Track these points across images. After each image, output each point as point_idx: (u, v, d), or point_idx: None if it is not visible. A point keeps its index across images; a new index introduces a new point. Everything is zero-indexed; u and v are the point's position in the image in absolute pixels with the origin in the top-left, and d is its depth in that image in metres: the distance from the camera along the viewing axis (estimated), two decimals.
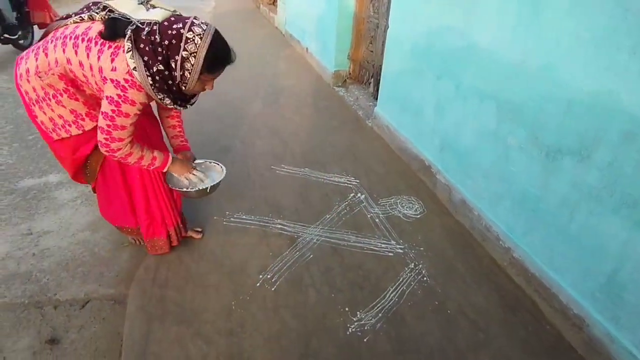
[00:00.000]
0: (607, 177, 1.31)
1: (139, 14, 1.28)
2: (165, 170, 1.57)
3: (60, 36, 1.32)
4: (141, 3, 1.32)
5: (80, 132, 1.45)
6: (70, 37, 1.29)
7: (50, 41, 1.33)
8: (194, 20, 1.29)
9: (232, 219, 2.03)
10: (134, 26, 1.24)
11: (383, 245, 1.90)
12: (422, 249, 1.90)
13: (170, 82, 1.31)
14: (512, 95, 1.68)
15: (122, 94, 1.26)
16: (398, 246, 1.91)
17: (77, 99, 1.40)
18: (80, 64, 1.29)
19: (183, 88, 1.35)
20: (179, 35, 1.24)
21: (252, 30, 6.90)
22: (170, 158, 1.57)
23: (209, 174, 1.77)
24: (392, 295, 1.64)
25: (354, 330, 1.48)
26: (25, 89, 1.39)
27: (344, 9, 3.85)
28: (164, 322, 1.47)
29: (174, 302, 1.55)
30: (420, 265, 1.79)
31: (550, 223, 1.56)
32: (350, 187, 2.36)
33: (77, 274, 1.73)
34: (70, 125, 1.44)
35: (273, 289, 1.63)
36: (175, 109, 1.45)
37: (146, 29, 1.24)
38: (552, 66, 1.47)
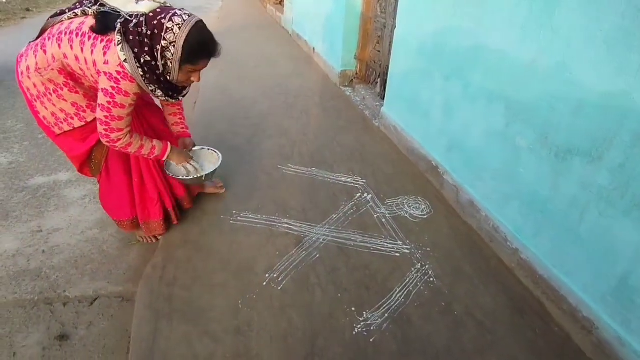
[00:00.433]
0: (619, 179, 1.29)
1: (128, 7, 1.34)
2: (164, 158, 1.65)
3: (56, 32, 1.37)
4: None
5: (83, 123, 1.50)
6: (65, 33, 1.34)
7: (47, 38, 1.38)
8: (177, 11, 1.33)
9: (239, 218, 2.04)
10: (123, 19, 1.28)
11: (389, 246, 1.90)
12: (429, 249, 1.89)
13: (157, 72, 1.35)
14: (521, 95, 1.66)
15: (115, 85, 1.31)
16: (405, 246, 1.90)
17: (77, 92, 1.44)
18: (76, 58, 1.34)
19: (168, 78, 1.39)
20: (160, 25, 1.28)
21: (259, 30, 6.91)
22: (169, 147, 1.65)
23: (206, 162, 1.92)
24: (398, 295, 1.63)
25: (360, 330, 1.48)
26: (27, 85, 1.44)
27: (351, 8, 3.85)
28: (171, 320, 1.48)
29: (181, 300, 1.55)
30: (427, 266, 1.79)
31: (559, 224, 1.55)
32: (357, 187, 2.36)
33: (86, 271, 1.75)
34: (72, 118, 1.49)
35: (279, 288, 1.63)
36: (168, 101, 1.49)
37: (134, 21, 1.28)
38: (563, 66, 1.45)
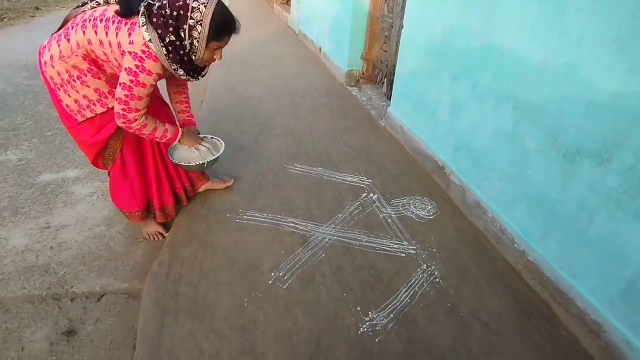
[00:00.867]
0: (629, 181, 1.28)
1: None
2: (176, 142, 1.71)
3: (80, 21, 1.44)
4: None
5: (105, 110, 1.56)
6: (90, 20, 1.41)
7: (71, 27, 1.45)
8: None
9: (245, 216, 2.05)
10: (146, 2, 1.36)
11: (395, 246, 1.89)
12: (435, 250, 1.88)
13: (182, 52, 1.41)
14: (531, 95, 1.65)
15: (140, 64, 1.37)
16: (410, 247, 1.89)
17: (100, 78, 1.51)
18: (101, 43, 1.40)
19: (194, 58, 1.46)
20: (185, 6, 1.35)
21: (266, 30, 6.93)
22: (181, 131, 1.72)
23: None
24: (404, 296, 1.62)
25: (365, 330, 1.47)
26: (51, 74, 1.50)
27: (359, 8, 3.84)
28: (177, 317, 1.48)
29: (187, 298, 1.56)
30: (433, 267, 1.78)
31: (567, 227, 1.53)
32: (363, 187, 2.35)
33: (93, 268, 1.76)
34: (95, 105, 1.54)
35: (285, 287, 1.63)
36: (189, 80, 1.55)
37: (157, 4, 1.36)
38: (573, 66, 1.44)
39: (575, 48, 1.42)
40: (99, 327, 1.50)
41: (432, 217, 2.12)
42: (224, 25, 1.43)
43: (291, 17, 7.03)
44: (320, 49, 5.11)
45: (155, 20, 1.34)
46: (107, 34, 1.38)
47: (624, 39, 1.25)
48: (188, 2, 1.35)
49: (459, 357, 1.40)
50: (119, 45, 1.38)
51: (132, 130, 1.52)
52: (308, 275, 1.70)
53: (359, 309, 1.56)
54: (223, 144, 1.93)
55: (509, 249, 1.84)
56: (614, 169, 1.32)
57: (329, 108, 3.57)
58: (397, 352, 1.40)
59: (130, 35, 1.36)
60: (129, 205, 1.82)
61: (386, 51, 3.64)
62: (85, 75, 1.48)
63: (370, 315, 1.53)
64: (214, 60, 1.53)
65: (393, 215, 2.11)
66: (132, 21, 1.37)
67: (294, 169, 2.52)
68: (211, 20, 1.37)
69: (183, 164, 1.76)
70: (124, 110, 1.44)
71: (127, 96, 1.41)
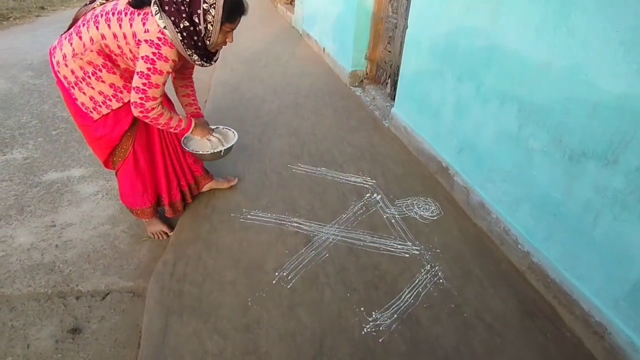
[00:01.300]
0: (634, 183, 1.27)
1: None
2: (189, 132, 1.74)
3: (91, 17, 1.46)
4: None
5: (120, 104, 1.59)
6: (101, 15, 1.43)
7: (82, 25, 1.47)
8: None
9: (248, 216, 2.05)
10: None
11: (399, 246, 1.89)
12: (438, 250, 1.88)
13: (195, 37, 1.44)
14: (535, 96, 1.65)
15: (156, 51, 1.39)
16: (414, 247, 1.89)
17: (114, 73, 1.54)
18: (114, 36, 1.42)
19: (207, 42, 1.49)
20: None
21: (269, 30, 6.94)
22: (194, 122, 1.74)
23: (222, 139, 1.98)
24: (407, 296, 1.63)
25: (369, 330, 1.48)
26: (64, 73, 1.52)
27: (362, 8, 3.84)
28: (181, 316, 1.49)
29: (191, 297, 1.57)
30: (437, 267, 1.78)
31: (572, 228, 1.53)
32: (366, 187, 2.35)
33: (98, 266, 1.77)
34: (110, 100, 1.57)
35: (289, 287, 1.64)
36: (203, 65, 1.57)
37: None
38: (578, 67, 1.43)
39: (580, 49, 1.41)
40: (104, 325, 1.51)
41: (435, 218, 2.12)
42: (235, 6, 1.46)
43: (295, 17, 7.04)
44: (324, 48, 5.11)
45: (167, 8, 1.37)
46: (120, 26, 1.40)
47: (630, 40, 1.24)
48: None
49: (462, 358, 1.40)
50: (134, 35, 1.40)
51: (148, 120, 1.54)
52: (311, 275, 1.70)
53: (362, 309, 1.56)
54: (235, 133, 1.95)
55: (513, 250, 1.83)
56: (619, 170, 1.32)
57: (332, 108, 3.57)
58: (400, 353, 1.40)
59: (144, 24, 1.38)
60: (141, 202, 1.83)
61: (390, 51, 3.63)
62: (100, 70, 1.51)
63: (373, 316, 1.53)
64: (225, 44, 1.57)
65: (396, 216, 2.11)
66: (144, 11, 1.40)
67: (297, 168, 2.53)
68: (224, 2, 1.40)
69: (200, 151, 1.79)
70: (141, 98, 1.46)
71: (144, 84, 1.43)
